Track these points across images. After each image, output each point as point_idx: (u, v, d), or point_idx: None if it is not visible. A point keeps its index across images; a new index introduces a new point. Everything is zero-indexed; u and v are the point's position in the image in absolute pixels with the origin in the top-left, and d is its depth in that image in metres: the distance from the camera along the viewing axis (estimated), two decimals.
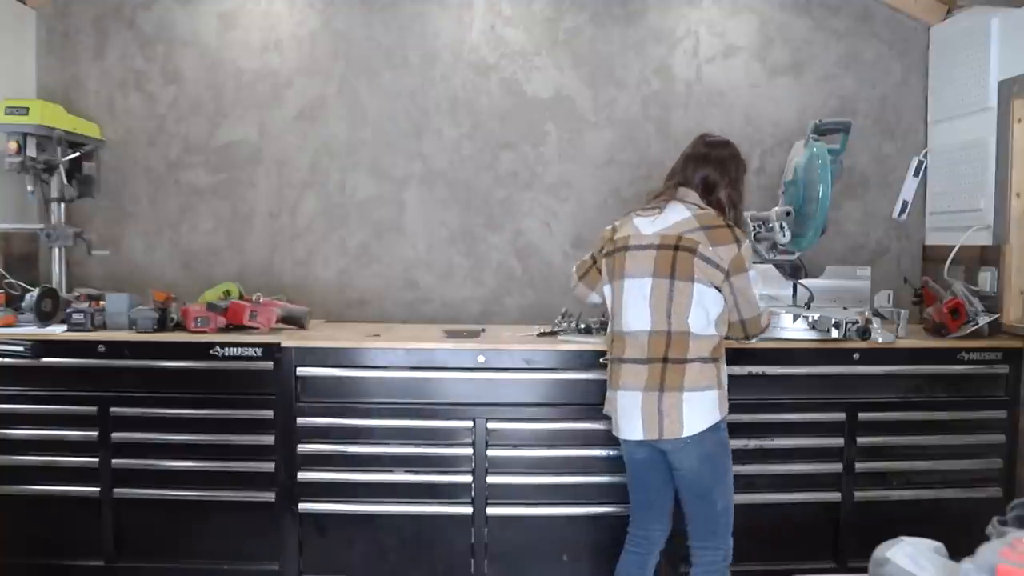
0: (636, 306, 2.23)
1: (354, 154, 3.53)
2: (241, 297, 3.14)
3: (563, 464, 2.83)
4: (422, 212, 3.55)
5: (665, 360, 2.17)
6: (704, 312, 2.20)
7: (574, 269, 2.57)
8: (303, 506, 2.83)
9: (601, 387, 2.86)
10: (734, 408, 2.84)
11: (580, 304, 2.76)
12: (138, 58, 3.51)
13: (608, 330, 2.39)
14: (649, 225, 2.26)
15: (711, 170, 2.32)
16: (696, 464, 2.22)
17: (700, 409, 2.17)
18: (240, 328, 2.92)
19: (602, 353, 2.79)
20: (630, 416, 2.21)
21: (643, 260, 2.23)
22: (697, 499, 2.27)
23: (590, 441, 2.81)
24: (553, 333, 3.01)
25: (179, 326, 2.92)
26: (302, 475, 2.82)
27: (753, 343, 2.79)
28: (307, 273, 3.55)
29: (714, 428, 2.21)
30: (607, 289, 2.35)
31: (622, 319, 2.27)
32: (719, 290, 2.22)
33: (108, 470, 2.83)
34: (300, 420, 2.81)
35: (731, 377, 2.82)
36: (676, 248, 2.19)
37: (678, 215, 2.25)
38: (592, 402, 2.82)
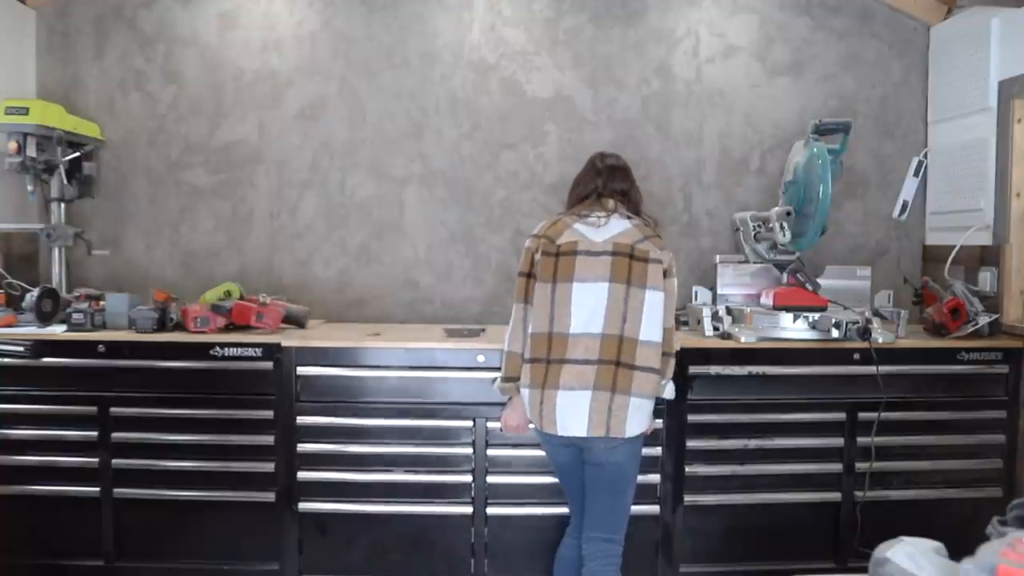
0: (588, 309, 2.22)
1: (354, 154, 3.53)
2: (242, 297, 3.14)
3: None
4: (422, 212, 3.55)
5: (618, 364, 2.18)
6: (653, 319, 2.23)
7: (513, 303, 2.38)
8: (303, 506, 2.83)
9: None
10: (734, 408, 2.87)
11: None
12: (138, 58, 3.51)
13: (532, 330, 2.28)
14: (596, 233, 2.29)
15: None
16: (622, 461, 2.26)
17: (641, 414, 2.22)
18: (241, 328, 2.92)
19: None
20: (575, 413, 2.19)
21: (597, 265, 2.24)
22: (614, 494, 2.30)
23: None
24: None
25: (179, 326, 2.93)
26: (302, 475, 2.82)
27: (747, 343, 2.80)
28: (307, 273, 3.55)
29: (642, 434, 2.27)
30: (540, 289, 2.29)
31: (568, 321, 2.23)
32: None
33: (108, 470, 2.83)
34: (300, 420, 2.82)
35: (731, 377, 2.85)
36: (631, 256, 2.25)
37: (620, 226, 2.31)
38: None
